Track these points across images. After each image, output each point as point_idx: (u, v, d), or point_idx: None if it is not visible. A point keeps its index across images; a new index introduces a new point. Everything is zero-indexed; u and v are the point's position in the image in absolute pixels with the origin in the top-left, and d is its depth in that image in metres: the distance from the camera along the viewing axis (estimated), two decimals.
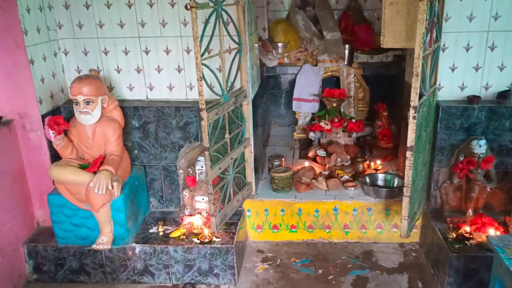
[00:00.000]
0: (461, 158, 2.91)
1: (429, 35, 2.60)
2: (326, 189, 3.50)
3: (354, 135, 4.17)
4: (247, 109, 3.21)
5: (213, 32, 2.68)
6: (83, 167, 2.81)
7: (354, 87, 4.44)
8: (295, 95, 4.53)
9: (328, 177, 3.60)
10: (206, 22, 2.60)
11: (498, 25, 2.80)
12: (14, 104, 2.87)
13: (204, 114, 2.65)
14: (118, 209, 2.84)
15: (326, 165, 3.82)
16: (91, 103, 2.79)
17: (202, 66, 2.60)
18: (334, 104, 4.27)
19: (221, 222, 2.94)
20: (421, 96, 2.60)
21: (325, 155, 3.91)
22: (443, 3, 2.77)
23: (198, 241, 2.94)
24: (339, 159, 3.83)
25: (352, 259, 3.18)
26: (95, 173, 2.75)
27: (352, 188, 3.49)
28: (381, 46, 2.85)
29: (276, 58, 4.54)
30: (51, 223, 2.94)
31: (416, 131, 2.58)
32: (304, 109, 4.53)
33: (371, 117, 4.42)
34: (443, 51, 2.90)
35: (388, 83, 4.43)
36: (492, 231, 2.83)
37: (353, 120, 4.19)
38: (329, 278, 3.00)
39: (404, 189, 2.67)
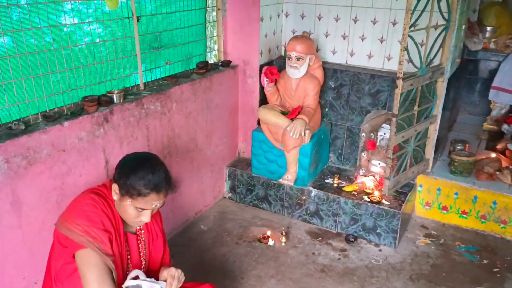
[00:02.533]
0: None
1: None
2: (510, 184, 3.32)
3: None
4: (441, 87, 3.24)
5: (425, 6, 2.79)
6: (284, 113, 3.31)
7: None
8: (494, 83, 4.26)
9: None
10: None
11: None
12: (242, 52, 3.51)
13: (399, 82, 2.83)
14: (305, 154, 3.28)
15: None
16: (300, 59, 3.23)
17: (408, 38, 2.76)
18: None
19: (393, 187, 3.13)
20: None
21: None
22: None
23: (368, 199, 3.19)
24: None
25: None
26: (292, 120, 3.22)
27: None
28: None
29: (481, 42, 4.31)
30: (250, 154, 3.58)
31: None
32: (502, 99, 4.24)
33: None
34: None
35: None
36: None
37: None
38: (494, 270, 2.94)
39: None
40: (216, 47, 3.54)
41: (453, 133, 4.39)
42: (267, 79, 3.31)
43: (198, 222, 3.40)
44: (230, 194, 3.74)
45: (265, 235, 3.17)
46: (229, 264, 2.94)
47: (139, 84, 2.82)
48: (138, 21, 2.66)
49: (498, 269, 2.95)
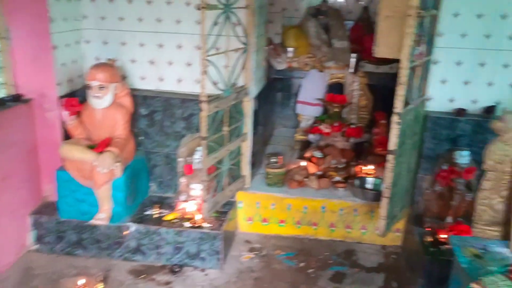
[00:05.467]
0: (444, 167, 3.05)
1: (419, 48, 2.77)
2: (317, 188, 3.67)
3: (351, 140, 4.33)
4: (248, 106, 3.42)
5: (220, 31, 2.91)
6: (91, 147, 3.06)
7: (357, 95, 4.61)
8: (299, 98, 4.73)
9: (320, 177, 3.77)
10: (214, 22, 2.82)
11: (488, 43, 2.94)
12: (37, 84, 3.14)
13: (204, 105, 2.88)
14: (118, 188, 3.09)
15: (320, 166, 3.99)
16: (104, 88, 3.05)
17: (207, 62, 2.84)
18: (336, 110, 4.45)
19: (212, 208, 3.15)
20: (407, 104, 2.78)
21: (321, 156, 4.08)
22: (436, 20, 2.93)
23: (189, 225, 3.15)
24: (333, 161, 4.00)
25: (334, 256, 3.35)
26: (101, 153, 3.00)
27: (342, 189, 3.66)
28: (374, 56, 3.02)
29: (285, 62, 4.73)
30: (57, 197, 3.20)
31: (400, 137, 2.75)
32: (307, 112, 4.71)
33: (371, 125, 4.57)
34: (434, 64, 3.05)
35: (391, 94, 4.54)
36: None
37: (353, 126, 4.36)
38: (309, 271, 3.17)
39: (384, 190, 2.83)
40: (2, 80, 3.11)
41: (271, 146, 4.71)
42: (68, 112, 3.04)
43: None
44: (37, 246, 3.27)
45: (78, 286, 2.83)
46: None
47: None
48: None
49: (312, 269, 3.20)
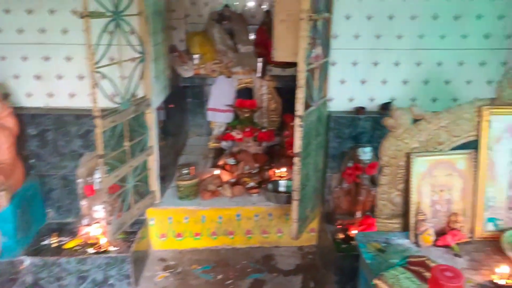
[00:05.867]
0: (350, 164, 3.14)
1: (315, 50, 2.81)
2: (231, 196, 3.60)
3: (264, 144, 4.32)
4: (151, 118, 3.24)
5: (110, 41, 2.70)
6: None
7: (266, 98, 4.63)
8: (210, 105, 4.64)
9: (234, 184, 3.70)
10: (102, 31, 2.62)
11: (379, 43, 3.07)
12: None
13: (98, 121, 2.66)
14: (5, 220, 2.75)
15: (234, 173, 3.93)
16: None
17: (97, 74, 2.62)
18: (247, 115, 4.42)
19: (117, 231, 2.93)
20: (309, 106, 2.80)
21: (234, 163, 4.02)
22: (330, 22, 3.00)
23: (93, 251, 2.90)
24: (247, 167, 3.96)
25: (252, 264, 3.29)
26: None
27: (256, 194, 3.62)
28: (273, 59, 3.02)
29: (191, 69, 4.62)
30: None
31: (304, 138, 2.76)
32: (219, 119, 4.64)
33: (281, 127, 4.62)
34: (332, 66, 3.12)
35: None
36: None
37: (264, 130, 4.35)
38: (227, 283, 3.08)
39: (293, 193, 2.83)
40: None
41: (184, 157, 4.55)
42: None
43: None
44: None
45: None
46: None
47: None
48: None
49: (231, 280, 3.11)
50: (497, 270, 1.86)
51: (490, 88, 3.08)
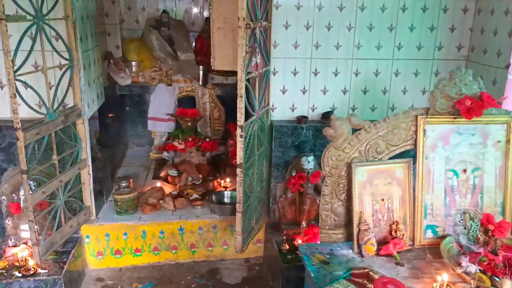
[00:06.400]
0: (294, 174, 3.12)
1: (254, 59, 2.76)
2: (173, 209, 3.45)
3: (207, 154, 4.22)
4: (83, 128, 3.03)
5: (32, 47, 2.49)
6: None
7: (209, 107, 4.53)
8: (150, 115, 4.47)
9: (176, 197, 3.56)
10: (22, 35, 2.41)
11: (318, 53, 3.09)
12: None
13: (19, 133, 2.43)
14: None
15: (177, 184, 3.79)
16: None
17: (17, 83, 2.40)
18: (189, 124, 4.31)
19: (46, 252, 2.69)
20: (251, 115, 2.75)
21: (176, 174, 3.88)
22: (269, 31, 2.97)
23: (20, 274, 2.65)
24: (190, 178, 3.83)
25: (196, 279, 3.16)
26: None
27: (199, 206, 3.50)
28: (213, 67, 2.94)
29: (129, 77, 4.43)
30: None
31: (247, 149, 2.70)
32: (160, 128, 4.48)
33: (226, 136, 4.54)
34: (273, 75, 3.10)
35: None
36: None
37: (207, 140, 4.25)
38: None
39: (237, 205, 2.75)
40: None
41: (123, 169, 4.35)
42: None
43: None
44: None
45: None
46: None
47: None
48: None
49: None
50: (438, 278, 1.89)
51: (424, 97, 3.20)
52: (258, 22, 2.64)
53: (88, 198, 3.17)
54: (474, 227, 2.12)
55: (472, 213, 2.19)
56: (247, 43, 2.50)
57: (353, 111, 3.20)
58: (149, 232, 3.27)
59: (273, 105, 3.17)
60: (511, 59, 2.61)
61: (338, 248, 2.21)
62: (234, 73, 4.63)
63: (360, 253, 2.15)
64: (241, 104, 2.56)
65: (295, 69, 3.11)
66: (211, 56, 2.85)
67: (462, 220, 2.17)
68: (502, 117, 2.14)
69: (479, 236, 2.06)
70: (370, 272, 1.82)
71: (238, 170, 2.67)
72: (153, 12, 4.83)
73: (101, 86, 3.60)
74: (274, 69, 3.09)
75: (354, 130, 2.20)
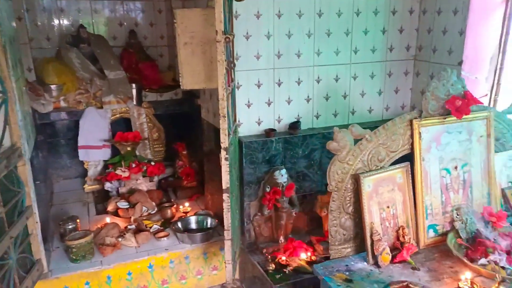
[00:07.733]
0: (268, 189, 3.00)
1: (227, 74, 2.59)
2: (137, 246, 3.10)
3: (155, 178, 3.89)
4: (25, 171, 2.56)
5: None
6: None
7: (147, 128, 4.18)
8: (80, 143, 3.97)
9: (137, 231, 3.21)
10: None
11: (281, 62, 3.02)
12: None
13: None
14: None
15: (131, 217, 3.41)
16: None
17: None
18: (129, 148, 3.93)
19: None
20: (228, 135, 2.57)
21: (127, 206, 3.50)
22: (233, 43, 2.82)
23: None
24: (144, 208, 3.48)
25: None
26: None
27: (165, 238, 3.19)
28: (182, 88, 2.69)
29: (50, 102, 3.88)
30: None
31: (230, 171, 2.52)
32: (94, 157, 4.01)
33: (169, 157, 4.24)
34: (237, 89, 2.95)
35: (182, 121, 4.33)
36: (303, 254, 2.97)
37: (152, 163, 3.92)
38: None
39: (225, 233, 2.56)
40: None
41: (56, 208, 3.79)
42: None
43: None
44: None
45: None
46: None
47: None
48: None
49: None
50: (461, 277, 1.95)
51: (380, 98, 3.32)
52: (231, 34, 2.48)
53: (38, 250, 2.68)
54: (470, 221, 2.24)
55: (464, 207, 2.32)
56: (226, 59, 2.33)
57: (317, 119, 3.20)
58: (114, 277, 2.88)
59: (239, 121, 3.02)
60: (463, 56, 2.84)
61: (352, 263, 2.18)
62: (168, 89, 4.42)
63: (375, 263, 2.13)
64: (224, 125, 2.38)
65: (258, 81, 3.00)
66: (179, 75, 2.61)
67: (458, 215, 2.28)
68: (482, 112, 2.30)
69: (481, 229, 2.18)
70: (410, 285, 1.81)
71: (225, 196, 2.49)
72: (67, 27, 4.30)
73: (31, 117, 3.08)
74: (238, 82, 2.95)
75: (355, 142, 2.19)
